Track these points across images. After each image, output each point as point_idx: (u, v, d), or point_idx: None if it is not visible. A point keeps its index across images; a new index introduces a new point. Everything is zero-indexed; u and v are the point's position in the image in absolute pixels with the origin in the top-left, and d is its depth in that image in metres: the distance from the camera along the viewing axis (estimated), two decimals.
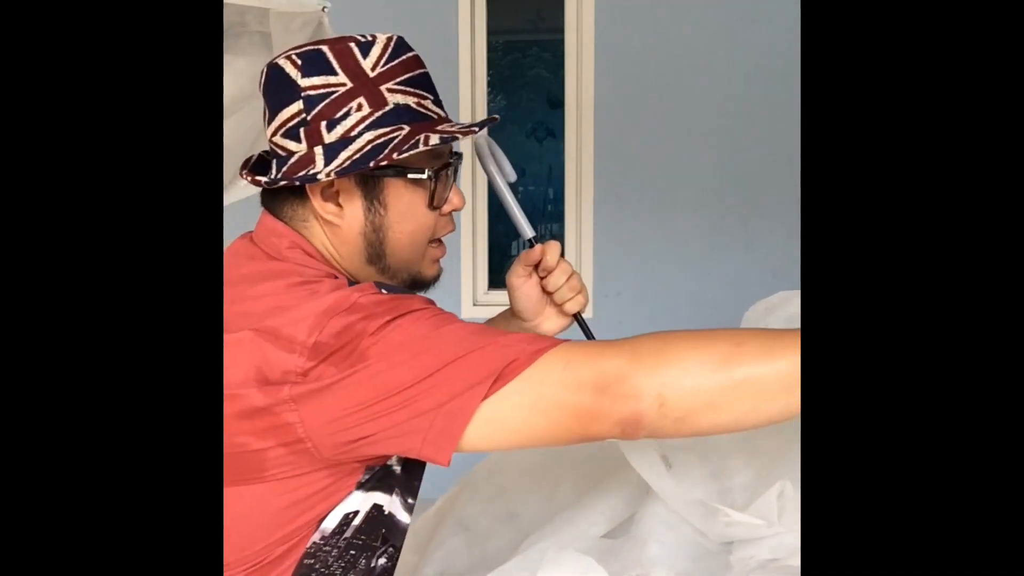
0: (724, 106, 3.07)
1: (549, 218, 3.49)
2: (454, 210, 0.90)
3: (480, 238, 3.19)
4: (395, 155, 0.80)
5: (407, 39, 0.87)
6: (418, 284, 0.91)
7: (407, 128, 0.82)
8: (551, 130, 3.50)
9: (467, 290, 3.14)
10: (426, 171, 0.85)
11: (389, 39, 0.84)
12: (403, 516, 0.86)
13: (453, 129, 0.84)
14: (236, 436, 0.76)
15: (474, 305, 3.17)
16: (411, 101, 0.84)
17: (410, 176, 0.85)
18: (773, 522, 0.85)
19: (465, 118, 3.08)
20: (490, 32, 3.18)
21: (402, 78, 0.84)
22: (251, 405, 0.75)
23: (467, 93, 3.08)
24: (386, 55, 0.84)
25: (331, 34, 1.37)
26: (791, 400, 0.69)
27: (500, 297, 3.20)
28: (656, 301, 3.12)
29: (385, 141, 0.81)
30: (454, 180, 0.89)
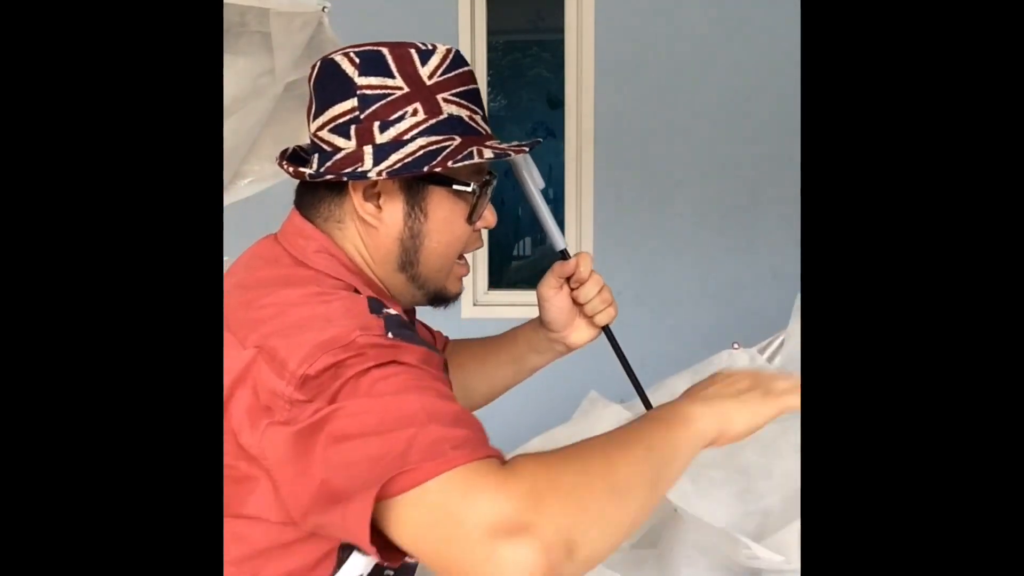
0: (724, 106, 3.07)
1: None
2: (486, 227, 0.91)
3: None
4: (449, 163, 0.80)
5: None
6: (441, 298, 0.92)
7: (459, 139, 0.83)
8: (551, 130, 3.50)
9: (467, 290, 3.14)
10: (472, 184, 0.86)
11: (448, 50, 0.86)
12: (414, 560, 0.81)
13: (504, 147, 0.86)
14: (227, 456, 0.71)
15: (474, 305, 3.17)
16: (464, 114, 0.85)
17: (455, 187, 0.85)
18: (792, 559, 0.84)
19: None
20: (490, 32, 3.17)
21: (457, 90, 0.85)
22: (243, 424, 0.71)
23: None
24: (444, 65, 0.85)
25: (331, 34, 1.37)
26: (657, 493, 0.73)
27: (500, 297, 3.21)
28: (656, 301, 3.12)
29: (438, 149, 0.82)
30: (489, 198, 0.90)
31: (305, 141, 0.93)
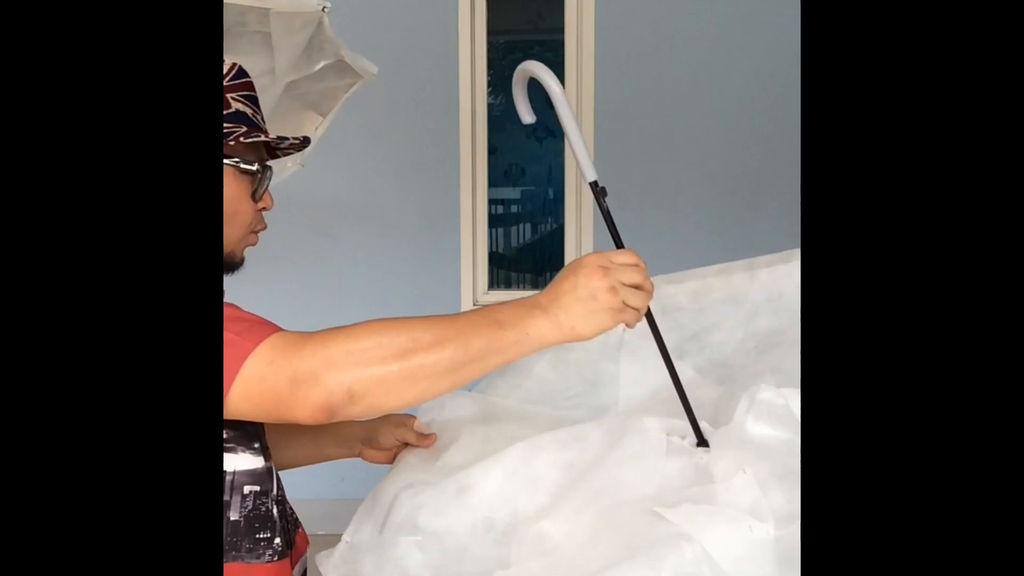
0: (724, 106, 3.08)
1: (549, 218, 3.49)
2: (265, 208, 1.04)
3: (480, 239, 3.19)
4: (241, 139, 0.96)
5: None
6: (228, 265, 1.02)
7: (245, 128, 0.98)
8: (551, 130, 3.49)
9: (467, 290, 3.14)
10: (256, 164, 1.00)
11: (234, 64, 1.02)
12: (258, 463, 0.95)
13: (285, 137, 1.02)
14: None
15: (474, 305, 3.17)
16: (248, 112, 1.01)
17: (243, 167, 0.99)
18: None
19: (465, 118, 3.08)
20: (490, 32, 3.17)
21: (243, 93, 1.01)
22: None
23: (467, 93, 3.08)
24: (231, 73, 1.01)
25: (331, 34, 1.37)
26: (457, 379, 0.85)
27: (500, 297, 3.20)
28: (656, 301, 3.11)
29: (228, 132, 0.97)
30: (267, 185, 1.05)
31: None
